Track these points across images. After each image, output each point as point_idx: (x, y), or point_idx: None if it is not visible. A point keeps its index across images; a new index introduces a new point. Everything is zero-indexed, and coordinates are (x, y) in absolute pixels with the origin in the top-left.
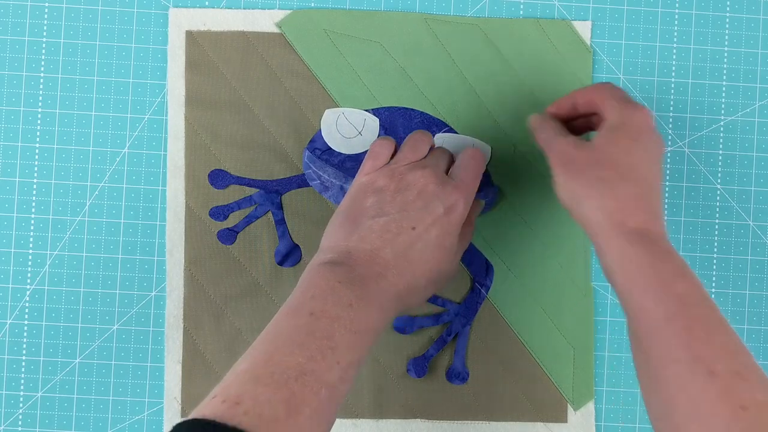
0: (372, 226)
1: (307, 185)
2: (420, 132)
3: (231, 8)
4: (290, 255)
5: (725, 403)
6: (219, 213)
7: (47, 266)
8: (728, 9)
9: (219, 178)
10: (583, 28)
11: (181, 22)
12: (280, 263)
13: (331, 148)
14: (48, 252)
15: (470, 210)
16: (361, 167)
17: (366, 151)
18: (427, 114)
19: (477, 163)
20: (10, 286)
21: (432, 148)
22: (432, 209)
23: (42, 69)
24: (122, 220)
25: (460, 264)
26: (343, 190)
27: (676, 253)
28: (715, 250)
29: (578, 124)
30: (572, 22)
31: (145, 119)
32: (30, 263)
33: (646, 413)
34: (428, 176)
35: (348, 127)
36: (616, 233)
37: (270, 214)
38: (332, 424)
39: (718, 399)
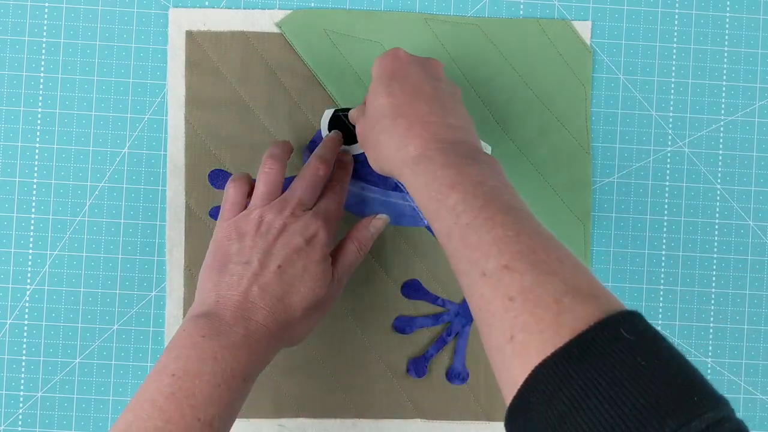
0: (239, 271)
1: None
2: (269, 161)
3: (231, 8)
4: None
5: (496, 297)
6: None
7: (47, 266)
8: (728, 9)
9: (219, 178)
10: (583, 28)
11: (181, 22)
12: None
13: None
14: (48, 252)
15: (358, 234)
16: (220, 212)
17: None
18: None
19: (337, 190)
20: (10, 286)
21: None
22: (293, 244)
23: (42, 69)
24: (122, 220)
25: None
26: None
27: (457, 164)
28: (715, 250)
29: None
30: (572, 22)
31: (145, 119)
32: (30, 263)
33: None
34: (286, 216)
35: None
36: (402, 167)
37: None
38: None
39: (490, 296)
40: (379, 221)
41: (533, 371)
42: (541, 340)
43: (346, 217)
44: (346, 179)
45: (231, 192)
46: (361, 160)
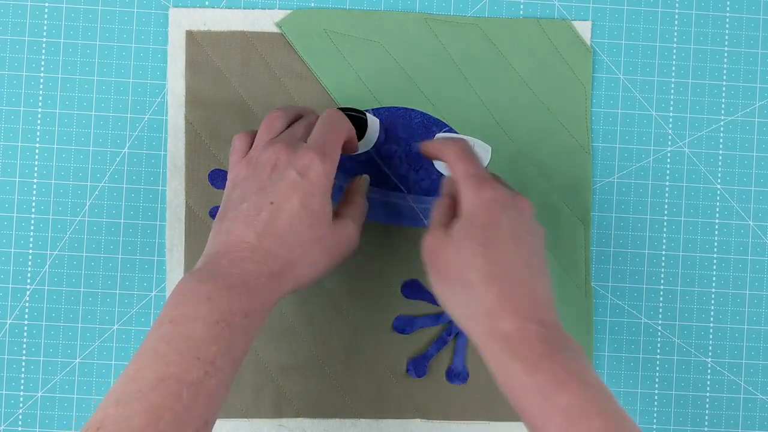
0: (235, 216)
1: None
2: (276, 110)
3: (231, 8)
4: None
5: None
6: None
7: (47, 266)
8: (728, 9)
9: (219, 178)
10: (583, 28)
11: (181, 22)
12: None
13: None
14: (48, 252)
15: (355, 182)
16: (229, 166)
17: (366, 152)
18: (427, 114)
19: (332, 121)
20: (10, 286)
21: (295, 121)
22: (286, 177)
23: (42, 69)
24: (122, 220)
25: None
26: (342, 190)
27: (556, 355)
28: (715, 250)
29: None
30: (572, 22)
31: (145, 119)
32: (30, 263)
33: (646, 413)
34: (278, 150)
35: None
36: (489, 340)
37: None
38: (212, 417)
39: None
40: (365, 180)
41: None
42: None
43: None
44: (334, 114)
45: (236, 143)
46: (361, 160)
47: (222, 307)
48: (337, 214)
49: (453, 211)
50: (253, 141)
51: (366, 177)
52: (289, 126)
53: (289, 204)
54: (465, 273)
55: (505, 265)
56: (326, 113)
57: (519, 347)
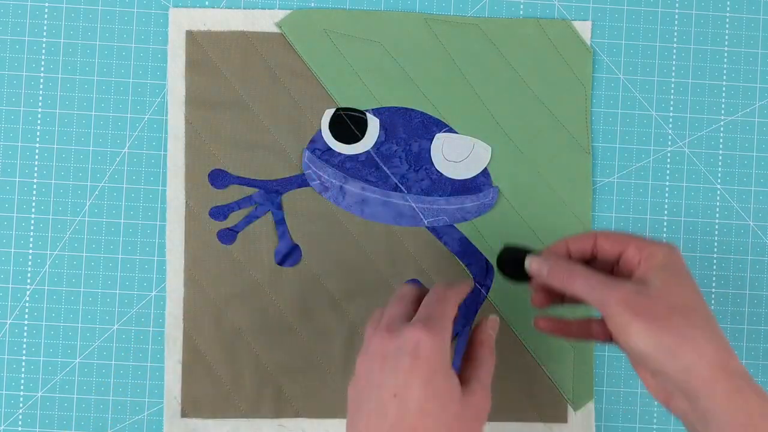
0: (368, 415)
1: (307, 185)
2: (399, 294)
3: (231, 8)
4: (290, 255)
5: None
6: (219, 213)
7: (47, 266)
8: (728, 9)
9: (219, 178)
10: (583, 28)
11: (181, 22)
12: (280, 263)
13: (331, 149)
14: (48, 252)
15: (475, 334)
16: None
17: (366, 152)
18: (427, 114)
19: (438, 290)
20: (10, 286)
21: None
22: (399, 365)
23: (42, 69)
24: (122, 220)
25: (459, 263)
26: (343, 190)
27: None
28: (715, 250)
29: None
30: (572, 22)
31: (145, 119)
32: (30, 263)
33: (646, 413)
34: (382, 338)
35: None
36: (720, 379)
37: (270, 214)
38: None
39: None
40: (494, 322)
41: None
42: None
43: (353, 219)
44: (440, 288)
45: (368, 330)
46: (361, 160)
47: None
48: (463, 380)
49: (601, 271)
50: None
51: (496, 319)
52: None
53: (411, 392)
54: (691, 319)
55: (709, 310)
56: (433, 288)
57: (747, 386)
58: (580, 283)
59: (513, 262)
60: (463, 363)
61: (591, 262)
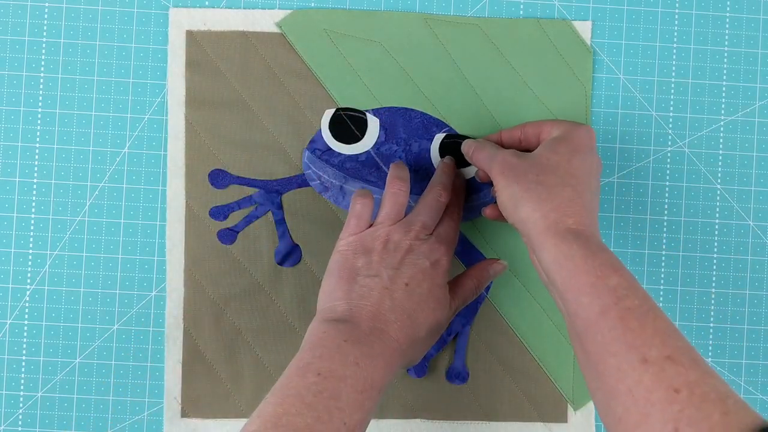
0: (369, 284)
1: (307, 185)
2: (396, 182)
3: (231, 8)
4: (290, 255)
5: (659, 387)
6: (219, 213)
7: (47, 266)
8: (728, 9)
9: (219, 178)
10: (583, 28)
11: (182, 21)
12: (280, 263)
13: (331, 149)
14: (48, 252)
15: (491, 269)
16: (345, 225)
17: (366, 152)
18: (427, 114)
19: (455, 217)
20: (10, 286)
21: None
22: (420, 265)
23: (42, 69)
24: (122, 220)
25: (459, 263)
26: (343, 190)
27: (609, 250)
28: (715, 250)
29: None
30: (572, 22)
31: (145, 119)
32: (30, 263)
33: None
34: (412, 237)
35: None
36: (552, 232)
37: (270, 214)
38: None
39: (652, 385)
40: (499, 266)
41: None
42: None
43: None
44: (461, 204)
45: (358, 207)
46: (361, 160)
47: (366, 376)
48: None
49: (499, 146)
50: (372, 209)
51: (503, 265)
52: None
53: (420, 289)
54: (543, 175)
55: (580, 182)
56: (451, 213)
57: (580, 237)
58: (483, 155)
59: (454, 148)
60: (455, 282)
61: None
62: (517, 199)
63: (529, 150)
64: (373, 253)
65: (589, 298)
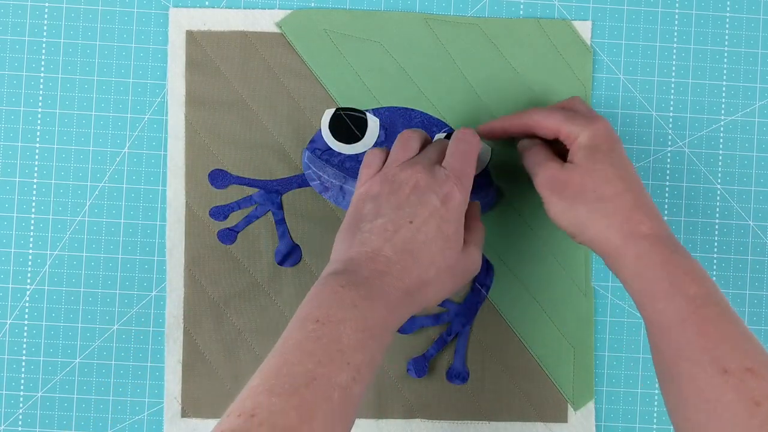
0: (371, 228)
1: (307, 185)
2: (409, 130)
3: (231, 8)
4: (290, 255)
5: (740, 399)
6: (219, 213)
7: (47, 266)
8: (728, 9)
9: (219, 178)
10: (583, 28)
11: (182, 21)
12: (280, 263)
13: (331, 148)
14: (48, 252)
15: (472, 206)
16: (358, 178)
17: (366, 152)
18: (427, 114)
19: (468, 147)
20: (10, 286)
21: (425, 144)
22: (427, 201)
23: (42, 69)
24: (122, 220)
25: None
26: (342, 190)
27: (688, 254)
28: (715, 250)
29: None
30: (572, 22)
31: (145, 119)
32: (30, 263)
33: (646, 413)
34: (419, 171)
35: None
36: (630, 245)
37: (270, 214)
38: (352, 423)
39: (732, 396)
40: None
41: None
42: None
43: None
44: (476, 139)
45: (369, 158)
46: (361, 160)
47: (367, 316)
48: (464, 241)
49: (553, 154)
50: (386, 158)
51: (477, 202)
52: (422, 148)
53: (426, 227)
54: (601, 190)
55: (631, 180)
56: (461, 135)
57: (657, 243)
58: (527, 160)
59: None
60: (467, 223)
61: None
62: (583, 221)
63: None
64: (380, 197)
65: (668, 305)
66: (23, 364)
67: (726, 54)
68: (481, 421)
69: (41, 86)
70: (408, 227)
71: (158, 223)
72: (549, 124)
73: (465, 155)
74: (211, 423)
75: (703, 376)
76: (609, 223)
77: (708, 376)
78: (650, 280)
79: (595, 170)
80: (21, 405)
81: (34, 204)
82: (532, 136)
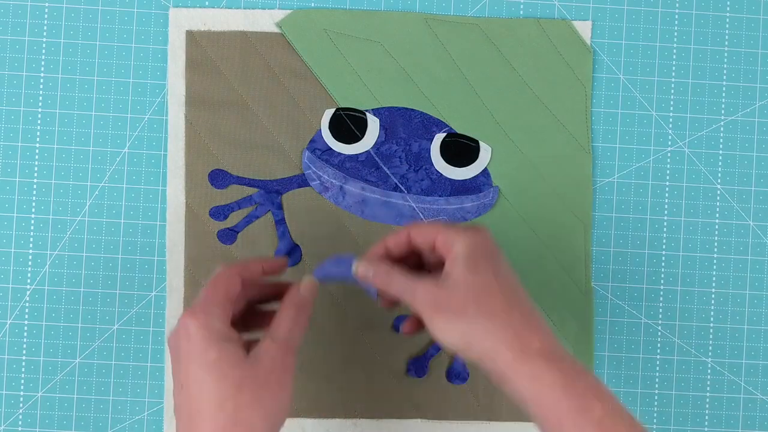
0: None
1: (307, 185)
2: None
3: (231, 8)
4: (290, 255)
5: None
6: (219, 213)
7: (47, 266)
8: (728, 9)
9: (219, 178)
10: (583, 28)
11: (182, 22)
12: None
13: (331, 148)
14: (48, 252)
15: (279, 324)
16: None
17: (366, 152)
18: (427, 114)
19: (212, 277)
20: (10, 286)
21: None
22: (179, 354)
23: (42, 69)
24: (122, 220)
25: None
26: (342, 190)
27: (585, 371)
28: (715, 250)
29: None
30: (572, 22)
31: (145, 119)
32: (30, 263)
33: (646, 413)
34: (169, 337)
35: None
36: (524, 361)
37: (270, 214)
38: None
39: None
40: (309, 284)
41: None
42: None
43: (353, 219)
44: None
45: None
46: (361, 160)
47: None
48: (253, 343)
49: (410, 270)
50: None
51: (312, 281)
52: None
53: (191, 375)
54: (485, 305)
55: (516, 291)
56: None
57: (554, 363)
58: (395, 284)
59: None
60: (271, 326)
61: (429, 256)
62: (469, 337)
63: (416, 256)
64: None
65: (573, 428)
66: (23, 364)
67: (726, 54)
68: (481, 421)
69: (41, 86)
70: (183, 394)
71: (158, 223)
72: (427, 231)
73: (206, 285)
74: None
75: None
76: (498, 339)
77: None
78: (552, 407)
79: (476, 282)
80: (21, 405)
81: (34, 204)
82: (406, 255)
